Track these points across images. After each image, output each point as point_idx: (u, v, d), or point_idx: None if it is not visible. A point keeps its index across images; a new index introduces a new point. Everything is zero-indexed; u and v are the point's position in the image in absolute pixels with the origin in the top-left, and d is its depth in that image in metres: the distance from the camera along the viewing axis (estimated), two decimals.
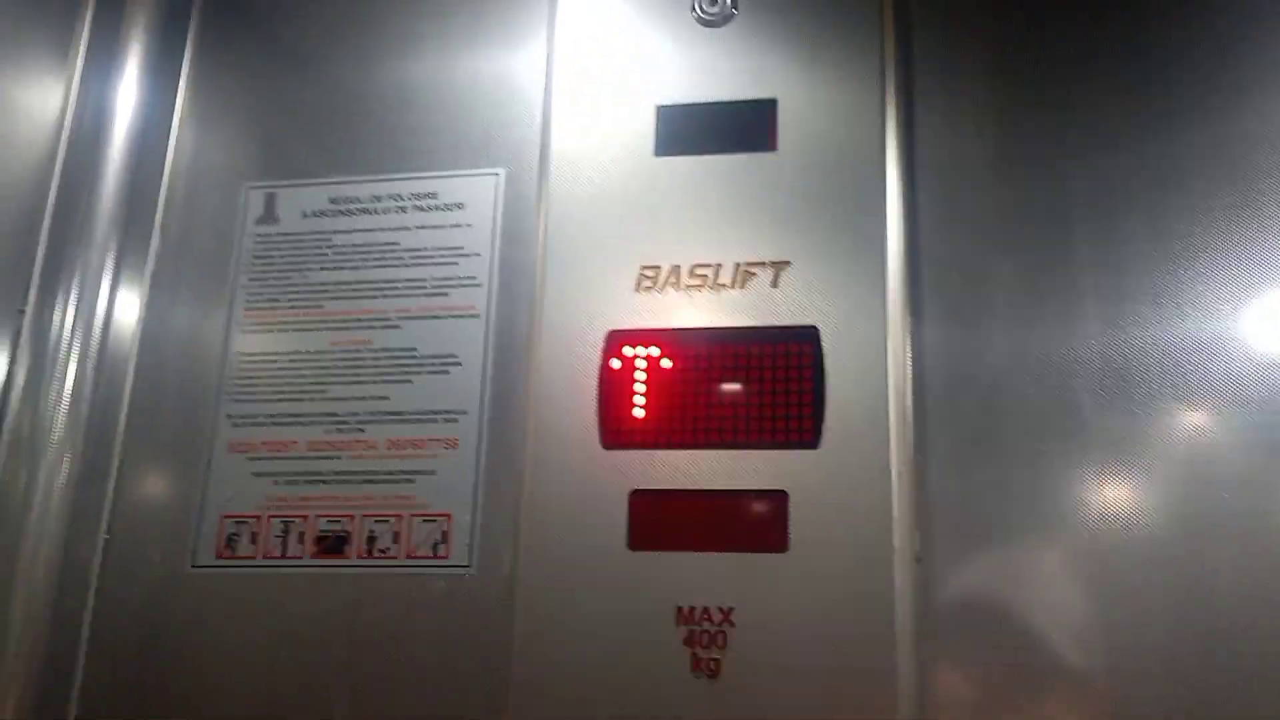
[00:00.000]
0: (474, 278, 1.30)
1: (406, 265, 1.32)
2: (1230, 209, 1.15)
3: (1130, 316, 1.14)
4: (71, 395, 1.33)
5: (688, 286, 1.19)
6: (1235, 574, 1.06)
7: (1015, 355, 1.15)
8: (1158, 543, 1.08)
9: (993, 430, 1.14)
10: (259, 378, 1.32)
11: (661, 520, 1.12)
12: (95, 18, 1.46)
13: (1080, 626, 1.08)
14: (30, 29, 1.39)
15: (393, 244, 1.34)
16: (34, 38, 1.39)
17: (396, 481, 1.25)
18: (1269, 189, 1.15)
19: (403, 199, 1.35)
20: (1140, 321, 1.14)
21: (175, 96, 1.45)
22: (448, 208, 1.34)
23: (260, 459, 1.29)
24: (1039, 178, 1.20)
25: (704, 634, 1.08)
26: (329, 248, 1.35)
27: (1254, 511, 1.07)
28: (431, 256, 1.32)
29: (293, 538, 1.25)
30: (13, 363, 1.32)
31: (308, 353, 1.31)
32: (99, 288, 1.37)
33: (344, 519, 1.24)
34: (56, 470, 1.30)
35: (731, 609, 1.08)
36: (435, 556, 1.21)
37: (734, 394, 1.14)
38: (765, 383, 1.14)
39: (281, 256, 1.36)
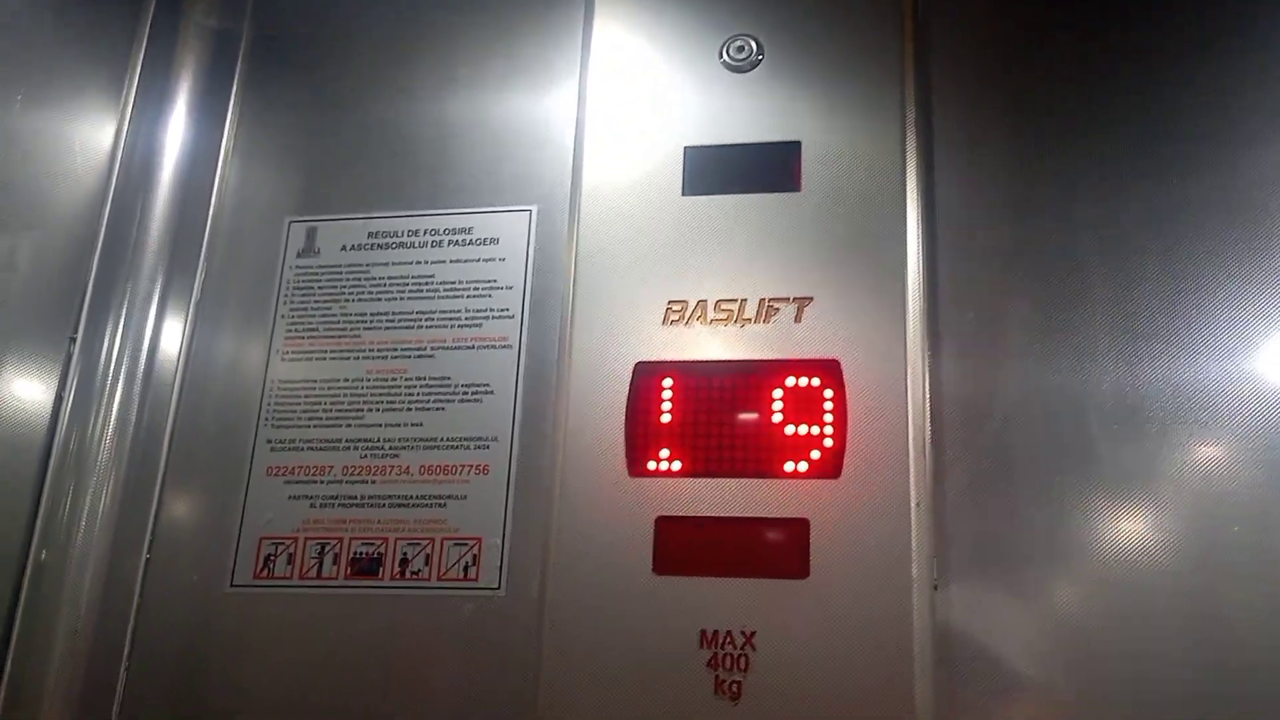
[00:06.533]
0: (506, 310, 1.35)
1: (441, 297, 1.37)
2: (1240, 251, 1.18)
3: (1142, 354, 1.17)
4: (117, 420, 1.38)
5: (713, 320, 1.22)
6: (1250, 609, 1.08)
7: (1030, 391, 1.19)
8: (1171, 576, 1.10)
9: (1008, 463, 1.17)
10: (298, 404, 1.36)
11: (686, 546, 1.15)
12: (147, 58, 1.53)
13: (1095, 657, 1.10)
14: (84, 69, 1.45)
15: (428, 277, 1.39)
16: (88, 77, 1.46)
17: (429, 505, 1.29)
18: (1278, 232, 1.18)
19: (439, 234, 1.40)
20: (1152, 359, 1.17)
21: (222, 134, 1.52)
22: (482, 242, 1.39)
23: (297, 482, 1.33)
24: (1054, 220, 1.24)
25: (726, 657, 1.10)
26: (367, 280, 1.40)
27: (1266, 546, 1.09)
28: (466, 289, 1.37)
29: (328, 559, 1.29)
30: (62, 388, 1.37)
31: (345, 380, 1.36)
32: (146, 317, 1.43)
33: (377, 541, 1.28)
34: (102, 492, 1.35)
35: (754, 633, 1.11)
36: (465, 579, 1.25)
37: (757, 425, 1.18)
38: (787, 414, 1.17)
39: (321, 288, 1.41)
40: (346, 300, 1.40)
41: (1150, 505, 1.13)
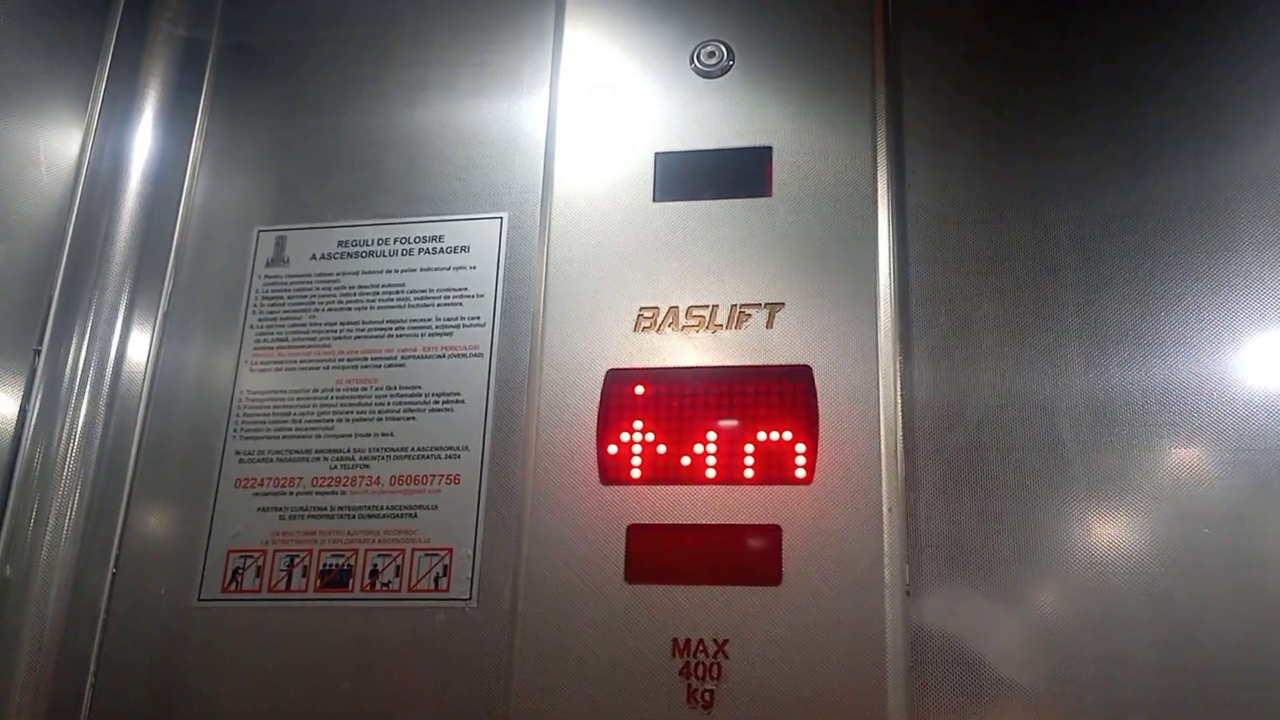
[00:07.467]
0: (477, 318, 1.34)
1: (412, 306, 1.36)
2: (1210, 253, 1.19)
3: (1113, 357, 1.17)
4: (83, 432, 1.36)
5: (685, 327, 1.22)
6: (1221, 609, 1.08)
7: (1001, 394, 1.19)
8: (1143, 578, 1.10)
9: (980, 467, 1.17)
10: (267, 415, 1.35)
11: (658, 554, 1.14)
12: (113, 67, 1.52)
13: (1068, 660, 1.09)
14: (50, 78, 1.44)
15: (399, 285, 1.38)
16: (54, 86, 1.44)
17: (399, 516, 1.28)
18: (1247, 233, 1.19)
19: (409, 242, 1.39)
20: (1122, 362, 1.17)
21: (190, 143, 1.51)
22: (453, 250, 1.38)
23: (266, 494, 1.32)
24: (1024, 222, 1.24)
25: (699, 666, 1.10)
26: (337, 289, 1.39)
27: (1236, 546, 1.09)
28: (436, 297, 1.36)
29: (297, 571, 1.27)
30: (26, 400, 1.35)
31: (315, 391, 1.35)
32: (113, 327, 1.41)
33: (347, 553, 1.27)
34: (67, 506, 1.33)
35: (726, 641, 1.10)
36: (437, 590, 1.24)
37: (729, 431, 1.17)
38: (760, 420, 1.17)
39: (290, 297, 1.40)
40: (316, 309, 1.39)
41: (1122, 507, 1.13)
